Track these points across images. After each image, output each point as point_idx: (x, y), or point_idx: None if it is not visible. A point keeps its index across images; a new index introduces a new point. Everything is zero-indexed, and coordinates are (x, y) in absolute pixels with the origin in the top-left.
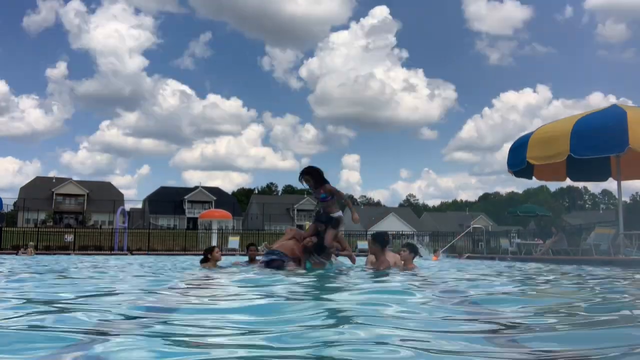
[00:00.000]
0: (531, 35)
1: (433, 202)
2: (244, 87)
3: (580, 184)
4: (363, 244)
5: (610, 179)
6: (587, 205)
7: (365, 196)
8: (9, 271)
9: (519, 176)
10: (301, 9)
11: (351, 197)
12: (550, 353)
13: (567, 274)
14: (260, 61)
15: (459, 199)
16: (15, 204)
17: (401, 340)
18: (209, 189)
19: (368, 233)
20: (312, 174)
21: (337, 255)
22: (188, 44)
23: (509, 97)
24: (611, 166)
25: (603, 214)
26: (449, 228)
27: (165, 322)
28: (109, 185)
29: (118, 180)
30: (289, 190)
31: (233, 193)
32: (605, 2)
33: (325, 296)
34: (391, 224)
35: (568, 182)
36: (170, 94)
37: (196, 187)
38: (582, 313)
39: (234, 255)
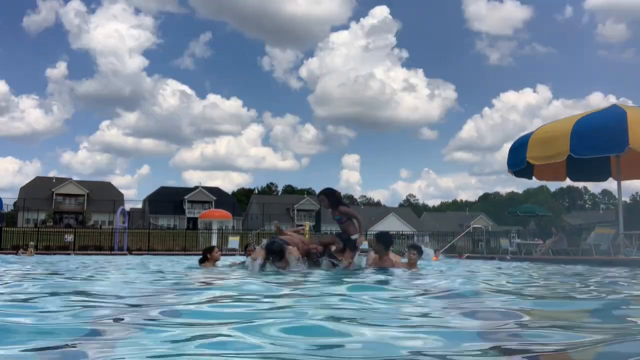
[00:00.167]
0: (531, 35)
1: (433, 202)
2: (244, 87)
3: (580, 184)
4: (364, 244)
5: (610, 179)
6: (587, 205)
7: (365, 196)
8: (5, 271)
9: (519, 176)
10: (301, 9)
11: (351, 197)
12: (550, 352)
13: (567, 274)
14: (260, 61)
15: (459, 199)
16: (15, 204)
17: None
18: (209, 189)
19: (368, 233)
20: (327, 196)
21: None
22: (188, 44)
23: (509, 97)
24: (611, 166)
25: (603, 214)
26: (449, 228)
27: (165, 323)
28: (109, 185)
29: (118, 180)
30: (289, 190)
31: (233, 193)
32: (605, 2)
33: (326, 295)
34: (391, 224)
35: (568, 182)
36: (170, 94)
37: (196, 187)
38: (581, 313)
39: (233, 255)
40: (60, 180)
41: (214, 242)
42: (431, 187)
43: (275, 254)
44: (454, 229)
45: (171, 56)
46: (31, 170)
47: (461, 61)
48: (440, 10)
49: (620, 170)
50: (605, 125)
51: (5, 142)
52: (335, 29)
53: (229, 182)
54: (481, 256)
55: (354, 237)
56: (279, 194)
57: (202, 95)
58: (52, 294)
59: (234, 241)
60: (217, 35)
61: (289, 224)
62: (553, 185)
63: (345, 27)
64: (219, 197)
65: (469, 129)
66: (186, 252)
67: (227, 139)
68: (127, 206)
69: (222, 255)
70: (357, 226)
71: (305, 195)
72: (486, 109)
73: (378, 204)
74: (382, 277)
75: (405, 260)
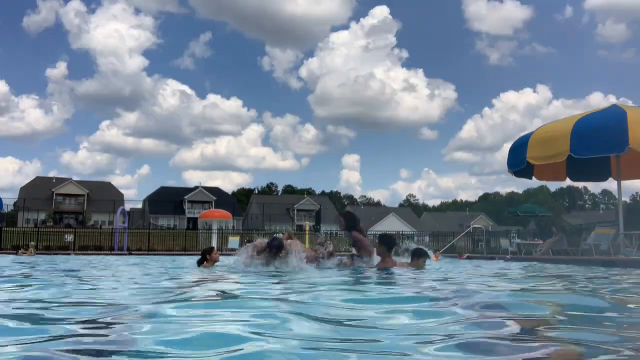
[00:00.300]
0: (531, 35)
1: (433, 202)
2: (244, 87)
3: (580, 184)
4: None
5: (610, 179)
6: (587, 205)
7: (365, 196)
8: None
9: (519, 176)
10: (301, 9)
11: (351, 197)
12: (549, 351)
13: (567, 274)
14: (260, 61)
15: (459, 199)
16: (15, 204)
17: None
18: (209, 189)
19: (368, 233)
20: (345, 218)
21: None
22: (188, 44)
23: (509, 97)
24: (611, 166)
25: (603, 214)
26: (449, 228)
27: (164, 322)
28: (109, 185)
29: (118, 180)
30: (289, 190)
31: (233, 193)
32: (605, 2)
33: (328, 294)
34: (391, 224)
35: (568, 182)
36: (170, 94)
37: (196, 187)
38: (579, 313)
39: (233, 255)
40: (60, 180)
41: (214, 242)
42: (431, 187)
43: (275, 249)
44: (454, 229)
45: (171, 56)
46: (31, 170)
47: (461, 61)
48: (440, 10)
49: (620, 170)
50: (605, 125)
51: (5, 142)
52: (335, 29)
53: (229, 182)
54: (481, 256)
55: (364, 259)
56: (279, 194)
57: (202, 95)
58: (50, 294)
59: (234, 241)
60: (217, 35)
61: (289, 224)
62: (553, 185)
63: (345, 27)
64: (219, 197)
65: (469, 129)
66: (186, 252)
67: (227, 139)
68: (127, 206)
69: (222, 255)
70: (367, 249)
71: (305, 195)
72: (486, 109)
73: (378, 204)
74: (384, 276)
75: (406, 260)
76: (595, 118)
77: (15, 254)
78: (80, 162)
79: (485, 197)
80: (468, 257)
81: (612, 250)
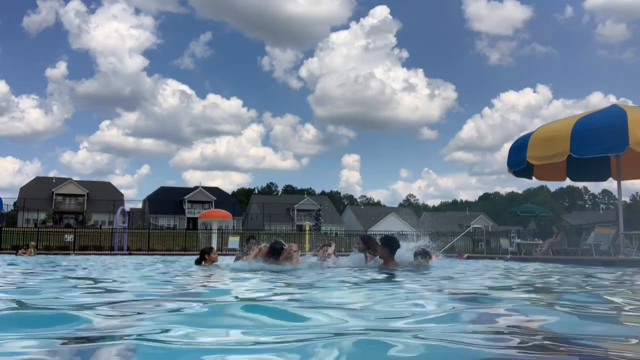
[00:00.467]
0: (531, 35)
1: (433, 202)
2: (244, 87)
3: (580, 184)
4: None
5: (610, 179)
6: (587, 205)
7: (365, 196)
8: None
9: (519, 176)
10: (301, 9)
11: (351, 197)
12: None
13: (566, 274)
14: (260, 61)
15: (459, 199)
16: (15, 204)
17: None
18: (209, 189)
19: (368, 233)
20: (364, 241)
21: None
22: (188, 44)
23: (509, 97)
24: (611, 166)
25: (603, 214)
26: (449, 228)
27: (164, 322)
28: (109, 185)
29: (118, 180)
30: (289, 190)
31: (233, 193)
32: (605, 2)
33: (331, 292)
34: (391, 224)
35: (568, 182)
36: (170, 94)
37: (196, 187)
38: (577, 312)
39: (233, 254)
40: (60, 180)
41: (214, 242)
42: (431, 187)
43: (276, 252)
44: (454, 229)
45: (171, 56)
46: (31, 170)
47: (461, 61)
48: (440, 10)
49: (620, 170)
50: (605, 125)
51: (5, 142)
52: (335, 29)
53: (229, 182)
54: (481, 256)
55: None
56: (279, 194)
57: (202, 95)
58: (50, 294)
59: (233, 241)
60: (217, 35)
61: (289, 224)
62: (553, 185)
63: (346, 27)
64: (219, 197)
65: (469, 129)
66: (186, 252)
67: (227, 139)
68: (127, 206)
69: (222, 255)
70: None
71: (305, 195)
72: (486, 109)
73: (378, 204)
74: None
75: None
76: (595, 118)
77: (15, 254)
78: (80, 162)
79: (485, 197)
80: (468, 257)
81: (612, 250)
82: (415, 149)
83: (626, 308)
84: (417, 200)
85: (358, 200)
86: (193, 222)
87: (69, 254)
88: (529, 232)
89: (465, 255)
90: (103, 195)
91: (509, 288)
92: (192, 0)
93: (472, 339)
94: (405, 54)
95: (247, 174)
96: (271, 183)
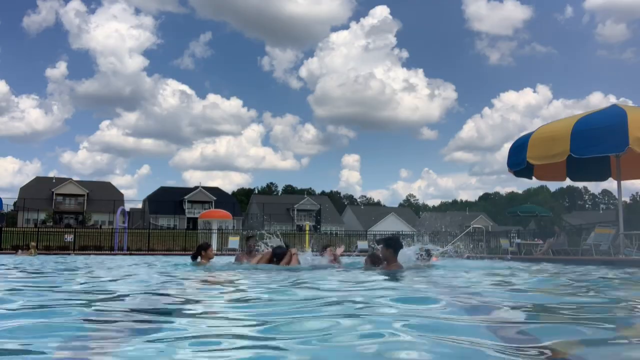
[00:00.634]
0: (531, 35)
1: (433, 202)
2: (244, 87)
3: (580, 184)
4: (363, 244)
5: (610, 179)
6: (587, 205)
7: (365, 196)
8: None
9: (519, 176)
10: (301, 9)
11: (351, 197)
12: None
13: (566, 274)
14: (260, 61)
15: (459, 199)
16: (15, 204)
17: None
18: (209, 189)
19: (368, 233)
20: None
21: None
22: (188, 44)
23: (509, 97)
24: (611, 166)
25: (603, 214)
26: (448, 228)
27: (164, 322)
28: (109, 185)
29: (118, 180)
30: (289, 190)
31: (233, 193)
32: (605, 2)
33: (331, 292)
34: (391, 224)
35: (568, 182)
36: (170, 94)
37: (196, 187)
38: (576, 312)
39: (233, 254)
40: (60, 180)
41: (214, 242)
42: (431, 187)
43: (278, 258)
44: (454, 229)
45: (171, 56)
46: (31, 170)
47: (461, 61)
48: (440, 10)
49: (620, 170)
50: (605, 125)
51: (5, 142)
52: (335, 29)
53: (229, 182)
54: (481, 256)
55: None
56: (279, 194)
57: (202, 95)
58: (49, 294)
59: (233, 241)
60: (217, 35)
61: (289, 224)
62: (553, 185)
63: (345, 27)
64: (219, 197)
65: (469, 129)
66: (186, 253)
67: (227, 139)
68: (127, 206)
69: (222, 255)
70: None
71: (305, 195)
72: (486, 109)
73: (378, 204)
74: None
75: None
76: (595, 118)
77: (15, 254)
78: (80, 162)
79: (485, 197)
80: (468, 257)
81: (612, 250)
82: (415, 149)
83: (628, 308)
84: (417, 200)
85: (358, 200)
86: (193, 222)
87: (69, 254)
88: (529, 232)
89: (466, 255)
90: (103, 195)
91: (511, 288)
92: (192, 0)
93: (481, 339)
94: (405, 54)
95: (247, 174)
96: (271, 183)
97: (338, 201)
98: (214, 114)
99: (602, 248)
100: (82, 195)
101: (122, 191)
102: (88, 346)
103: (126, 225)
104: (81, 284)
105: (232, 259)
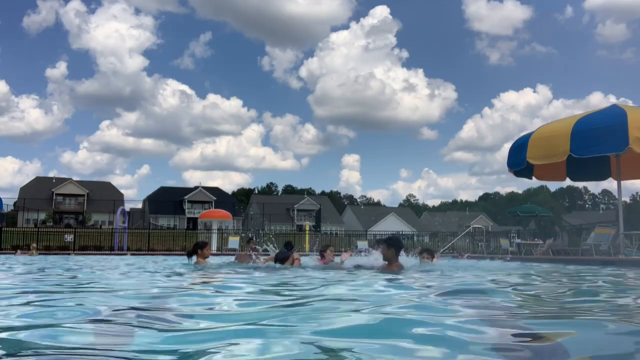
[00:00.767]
0: (531, 35)
1: (433, 202)
2: (244, 87)
3: (580, 184)
4: (363, 244)
5: (610, 179)
6: (587, 205)
7: (365, 196)
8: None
9: (519, 176)
10: (301, 9)
11: (351, 197)
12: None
13: (567, 274)
14: (260, 61)
15: (459, 199)
16: (15, 204)
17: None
18: (209, 189)
19: (368, 233)
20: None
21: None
22: (188, 44)
23: (509, 97)
24: (611, 166)
25: (603, 214)
26: (449, 228)
27: (164, 322)
28: (109, 185)
29: (118, 180)
30: (289, 190)
31: (233, 193)
32: (605, 2)
33: (332, 292)
34: (391, 224)
35: (568, 182)
36: (170, 94)
37: (196, 187)
38: (578, 312)
39: (233, 254)
40: (60, 180)
41: (214, 242)
42: (431, 187)
43: (280, 262)
44: (454, 229)
45: (171, 56)
46: (31, 170)
47: (461, 61)
48: (440, 10)
49: (620, 170)
50: (605, 125)
51: (5, 142)
52: (335, 29)
53: (229, 182)
54: (481, 256)
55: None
56: (279, 194)
57: (202, 95)
58: (50, 294)
59: (233, 241)
60: (217, 35)
61: (289, 224)
62: (553, 185)
63: (345, 27)
64: (219, 197)
65: (469, 129)
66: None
67: (227, 139)
68: (127, 206)
69: (222, 255)
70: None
71: (305, 195)
72: (486, 109)
73: (378, 204)
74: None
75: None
76: (595, 118)
77: (14, 254)
78: (80, 162)
79: (485, 197)
80: (468, 257)
81: (612, 250)
82: (415, 149)
83: (629, 308)
84: (417, 200)
85: (358, 200)
86: (193, 222)
87: (69, 254)
88: (529, 232)
89: (466, 255)
90: (103, 195)
91: (513, 288)
92: (192, 0)
93: (482, 339)
94: (405, 54)
95: (247, 174)
96: (271, 183)
97: (338, 201)
98: (214, 114)
99: (602, 248)
100: (82, 195)
101: (122, 191)
102: (88, 346)
103: (126, 225)
104: (81, 284)
105: (232, 258)
